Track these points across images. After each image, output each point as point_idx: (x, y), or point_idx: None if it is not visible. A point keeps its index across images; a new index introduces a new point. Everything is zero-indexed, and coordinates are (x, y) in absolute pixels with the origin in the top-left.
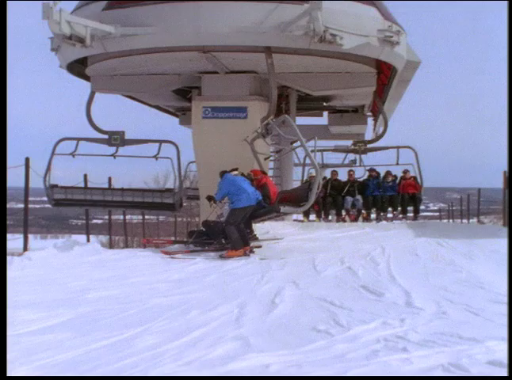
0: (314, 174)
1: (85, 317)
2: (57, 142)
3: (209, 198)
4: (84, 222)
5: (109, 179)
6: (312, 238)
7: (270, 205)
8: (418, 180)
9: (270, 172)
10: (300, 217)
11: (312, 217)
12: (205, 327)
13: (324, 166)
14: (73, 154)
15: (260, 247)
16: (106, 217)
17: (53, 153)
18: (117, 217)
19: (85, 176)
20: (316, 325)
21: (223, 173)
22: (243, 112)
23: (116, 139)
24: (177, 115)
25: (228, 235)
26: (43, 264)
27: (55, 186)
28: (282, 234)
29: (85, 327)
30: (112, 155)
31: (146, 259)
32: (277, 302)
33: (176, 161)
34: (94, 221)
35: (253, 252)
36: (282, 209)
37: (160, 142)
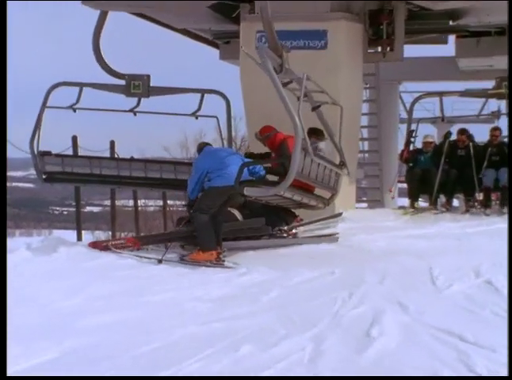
0: (429, 139)
1: (77, 354)
2: (50, 88)
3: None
4: (71, 209)
5: (112, 143)
6: (427, 235)
7: None
8: None
9: (364, 146)
10: (404, 202)
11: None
12: (263, 371)
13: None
14: (73, 108)
15: (335, 237)
16: (106, 202)
17: (44, 106)
18: (123, 202)
19: (74, 138)
20: (438, 373)
21: (201, 147)
22: (321, 38)
23: (137, 87)
24: (216, 45)
25: (196, 228)
26: (13, 275)
27: (47, 154)
28: (381, 228)
29: (78, 371)
30: (131, 110)
31: (170, 266)
32: (374, 334)
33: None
34: (88, 208)
35: (223, 254)
36: (246, 191)
37: (202, 91)
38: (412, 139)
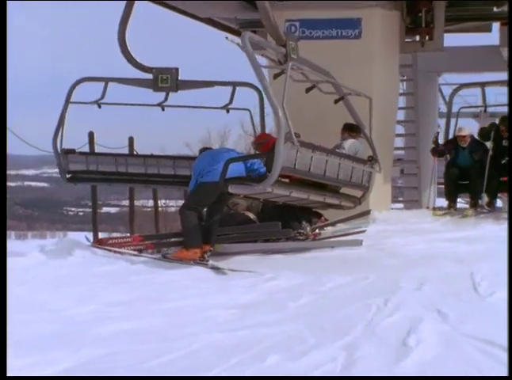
0: (462, 132)
1: (93, 365)
2: (74, 83)
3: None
4: (87, 210)
5: (130, 140)
6: (468, 238)
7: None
8: None
9: (399, 142)
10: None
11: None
12: None
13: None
14: (99, 103)
15: (359, 241)
16: (124, 202)
17: (68, 101)
18: (142, 202)
19: (91, 135)
20: None
21: (201, 151)
22: (355, 27)
23: (165, 80)
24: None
25: (182, 225)
26: (25, 279)
27: (71, 152)
28: (417, 231)
29: None
30: (159, 105)
31: (191, 271)
32: (411, 343)
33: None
34: (105, 209)
35: (208, 254)
36: (231, 188)
37: (234, 84)
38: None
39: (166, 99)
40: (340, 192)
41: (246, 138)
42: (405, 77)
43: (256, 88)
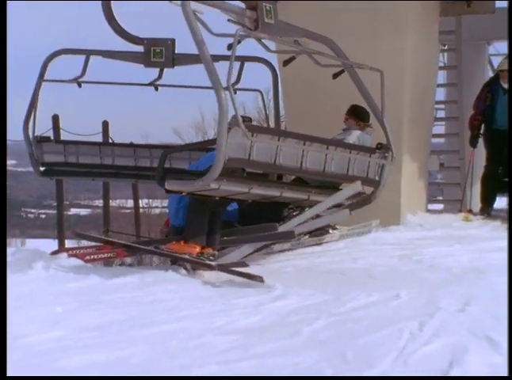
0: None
1: None
2: (48, 57)
3: None
4: (51, 212)
5: (104, 125)
6: None
7: None
8: None
9: (439, 129)
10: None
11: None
12: None
13: None
14: (78, 81)
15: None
16: (97, 202)
17: (41, 79)
18: (120, 201)
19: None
20: None
21: None
22: None
23: (159, 54)
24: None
25: (187, 216)
26: None
27: (46, 140)
28: (461, 238)
29: None
30: (152, 84)
31: (183, 286)
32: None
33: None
34: (73, 210)
35: (209, 253)
36: (168, 184)
37: (242, 59)
38: None
39: (159, 76)
40: (339, 189)
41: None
42: (446, 47)
43: (269, 64)
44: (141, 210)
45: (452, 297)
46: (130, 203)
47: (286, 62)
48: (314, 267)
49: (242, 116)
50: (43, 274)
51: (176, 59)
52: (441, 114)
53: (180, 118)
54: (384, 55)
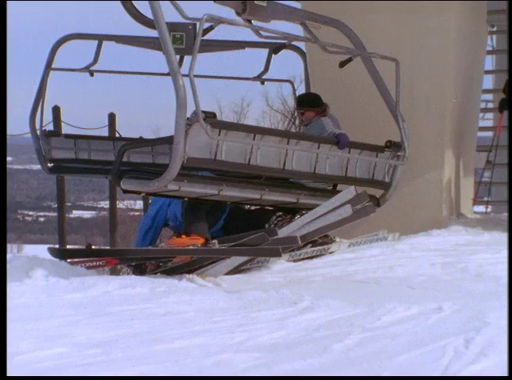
0: None
1: None
2: (57, 43)
3: None
4: (51, 215)
5: (111, 118)
6: None
7: None
8: None
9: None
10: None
11: None
12: None
13: None
14: (90, 70)
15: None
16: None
17: (49, 67)
18: (128, 202)
19: (56, 110)
20: None
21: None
22: None
23: (179, 40)
24: None
25: (185, 212)
26: None
27: (55, 134)
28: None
29: None
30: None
31: (198, 296)
32: None
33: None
34: (75, 213)
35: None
36: (124, 183)
37: (270, 46)
38: None
39: (180, 65)
40: (336, 191)
41: (272, 116)
42: (495, 29)
43: (300, 50)
44: None
45: (501, 310)
46: (139, 204)
47: (343, 64)
48: (345, 276)
49: (204, 112)
50: (42, 283)
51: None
52: (489, 105)
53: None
54: (423, 34)
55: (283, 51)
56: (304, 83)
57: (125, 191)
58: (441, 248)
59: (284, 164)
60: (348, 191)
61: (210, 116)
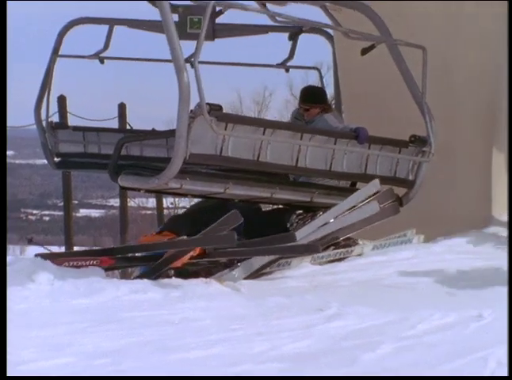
0: None
1: None
2: (65, 27)
3: None
4: (56, 214)
5: (121, 108)
6: None
7: None
8: None
9: None
10: None
11: None
12: None
13: None
14: (100, 57)
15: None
16: (112, 201)
17: (56, 54)
18: (140, 200)
19: (62, 100)
20: None
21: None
22: None
23: (196, 24)
24: None
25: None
26: None
27: (62, 126)
28: None
29: None
30: (188, 60)
31: (216, 302)
32: None
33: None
34: (82, 211)
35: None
36: (121, 180)
37: (295, 31)
38: None
39: (197, 51)
40: (354, 188)
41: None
42: None
43: (328, 34)
44: (165, 212)
45: None
46: (152, 202)
47: (365, 51)
48: (376, 281)
49: (209, 104)
50: (46, 288)
51: (217, 31)
52: None
53: (213, 100)
54: (461, 21)
55: (309, 36)
56: (333, 70)
57: (123, 188)
58: (480, 251)
59: (297, 161)
60: (372, 185)
61: (215, 109)
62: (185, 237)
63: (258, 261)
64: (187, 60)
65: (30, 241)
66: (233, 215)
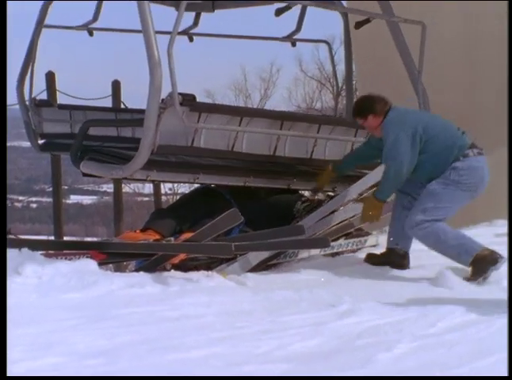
0: None
1: None
2: None
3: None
4: (45, 200)
5: (115, 85)
6: None
7: None
8: None
9: None
10: None
11: None
12: None
13: None
14: (89, 28)
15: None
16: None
17: (40, 25)
18: (136, 186)
19: (50, 76)
20: None
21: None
22: None
23: None
24: None
25: None
26: None
27: (47, 104)
28: None
29: None
30: (186, 33)
31: (218, 297)
32: None
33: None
34: (73, 198)
35: None
36: (84, 166)
37: (303, 2)
38: None
39: (195, 23)
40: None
41: (307, 84)
42: None
43: (340, 6)
44: (163, 198)
45: None
46: (149, 187)
47: (359, 25)
48: (392, 274)
49: (181, 94)
50: (33, 281)
51: (217, 2)
52: None
53: (214, 77)
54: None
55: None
56: (344, 44)
57: (84, 175)
58: (506, 241)
59: (276, 149)
60: (380, 170)
61: (188, 99)
62: (172, 239)
63: (265, 252)
64: (184, 32)
65: (8, 233)
66: (232, 214)
